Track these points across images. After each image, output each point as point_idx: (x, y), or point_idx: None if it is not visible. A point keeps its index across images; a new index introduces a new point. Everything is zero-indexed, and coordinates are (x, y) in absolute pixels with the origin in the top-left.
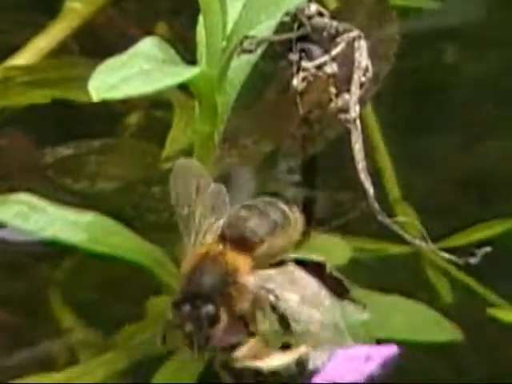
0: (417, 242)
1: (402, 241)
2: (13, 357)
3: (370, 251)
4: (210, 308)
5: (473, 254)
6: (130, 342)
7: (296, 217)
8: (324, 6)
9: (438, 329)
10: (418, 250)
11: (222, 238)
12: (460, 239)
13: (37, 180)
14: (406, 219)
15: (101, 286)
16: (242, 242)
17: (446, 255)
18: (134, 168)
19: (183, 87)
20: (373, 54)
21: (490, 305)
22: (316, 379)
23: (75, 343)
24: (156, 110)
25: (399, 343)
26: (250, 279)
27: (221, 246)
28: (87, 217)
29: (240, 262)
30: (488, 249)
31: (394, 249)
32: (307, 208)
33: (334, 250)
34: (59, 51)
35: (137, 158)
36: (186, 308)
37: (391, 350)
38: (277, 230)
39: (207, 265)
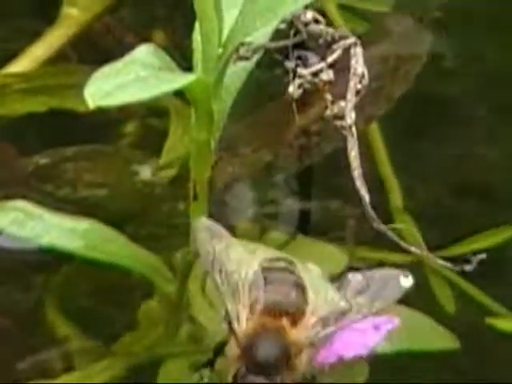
0: (412, 249)
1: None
2: (9, 364)
3: (369, 260)
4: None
5: (468, 261)
6: (126, 349)
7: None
8: (326, 14)
9: (434, 336)
10: (419, 259)
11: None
12: (460, 248)
13: (28, 188)
14: (402, 226)
15: (97, 293)
16: (287, 314)
17: (442, 262)
18: (119, 175)
19: (180, 95)
20: (393, 73)
21: (489, 313)
22: (322, 353)
23: (71, 350)
24: (153, 118)
25: (396, 352)
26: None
27: (269, 317)
28: (84, 224)
29: (291, 327)
30: (483, 256)
31: (395, 257)
32: (304, 216)
33: (331, 258)
34: (56, 58)
35: (122, 164)
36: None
37: (393, 322)
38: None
39: (267, 337)
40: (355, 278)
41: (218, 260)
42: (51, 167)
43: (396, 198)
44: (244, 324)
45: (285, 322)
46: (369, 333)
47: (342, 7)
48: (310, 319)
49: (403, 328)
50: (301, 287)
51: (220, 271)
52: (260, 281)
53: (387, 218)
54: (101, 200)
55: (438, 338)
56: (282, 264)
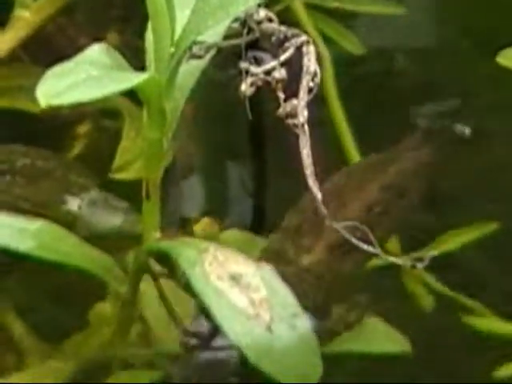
0: (365, 246)
1: None
2: None
3: None
4: None
5: (420, 259)
6: (77, 349)
7: None
8: (296, 16)
9: (387, 340)
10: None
11: None
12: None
13: None
14: (355, 224)
15: (50, 293)
16: None
17: (394, 259)
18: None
19: (134, 98)
20: None
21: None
22: None
23: (22, 350)
24: (106, 121)
25: (349, 355)
26: None
27: None
28: (36, 224)
29: None
30: (434, 253)
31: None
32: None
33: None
34: (9, 60)
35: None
36: None
37: None
38: None
39: None
40: None
41: None
42: None
43: None
44: None
45: None
46: None
47: (310, 6)
48: None
49: (357, 331)
50: None
51: None
52: None
53: None
54: None
55: (391, 342)
56: None
